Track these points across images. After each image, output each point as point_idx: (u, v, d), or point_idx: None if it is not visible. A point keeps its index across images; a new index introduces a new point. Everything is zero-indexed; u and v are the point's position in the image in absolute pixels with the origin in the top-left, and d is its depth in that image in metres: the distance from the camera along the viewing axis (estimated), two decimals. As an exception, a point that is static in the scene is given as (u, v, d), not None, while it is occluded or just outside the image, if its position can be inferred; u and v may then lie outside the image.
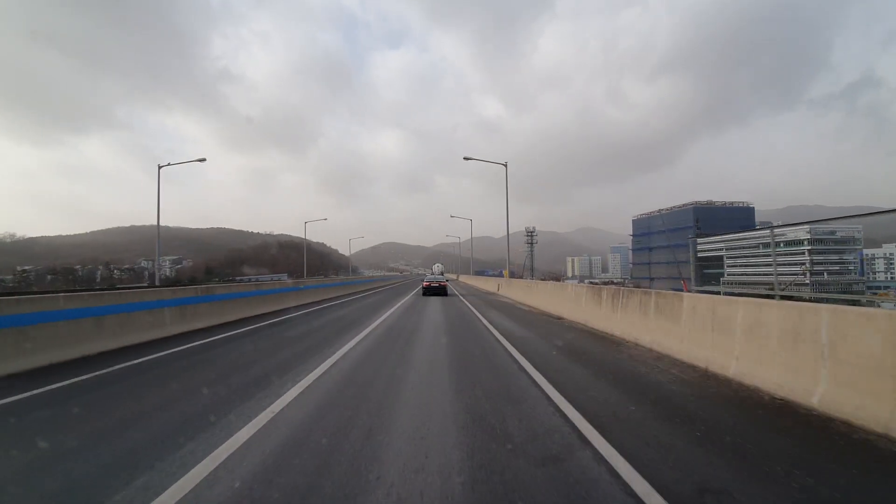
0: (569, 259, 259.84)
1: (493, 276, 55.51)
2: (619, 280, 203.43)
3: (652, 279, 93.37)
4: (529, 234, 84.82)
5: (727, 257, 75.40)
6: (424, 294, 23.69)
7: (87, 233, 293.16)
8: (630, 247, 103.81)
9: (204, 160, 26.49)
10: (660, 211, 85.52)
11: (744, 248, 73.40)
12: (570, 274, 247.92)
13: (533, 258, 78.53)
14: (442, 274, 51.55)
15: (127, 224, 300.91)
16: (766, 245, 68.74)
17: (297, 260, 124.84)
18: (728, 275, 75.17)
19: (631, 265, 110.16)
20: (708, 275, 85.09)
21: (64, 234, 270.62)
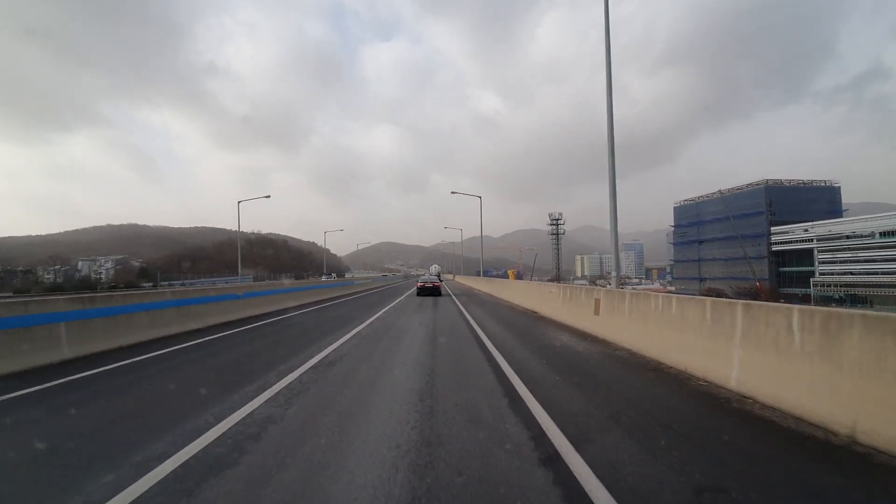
0: (578, 257, 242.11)
1: (497, 276, 47.70)
2: (635, 280, 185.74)
3: (703, 280, 75.61)
4: (555, 221, 66.76)
5: (820, 251, 57.38)
6: (419, 294, 22.23)
7: (61, 232, 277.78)
8: (671, 241, 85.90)
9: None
10: (720, 192, 67.56)
11: (847, 237, 55.25)
12: (579, 273, 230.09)
13: (560, 253, 60.55)
14: (438, 275, 50.97)
15: (104, 223, 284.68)
16: (887, 234, 51.09)
17: (272, 258, 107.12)
18: (820, 273, 57.41)
19: (671, 263, 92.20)
20: (788, 274, 67.14)
21: (35, 234, 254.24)
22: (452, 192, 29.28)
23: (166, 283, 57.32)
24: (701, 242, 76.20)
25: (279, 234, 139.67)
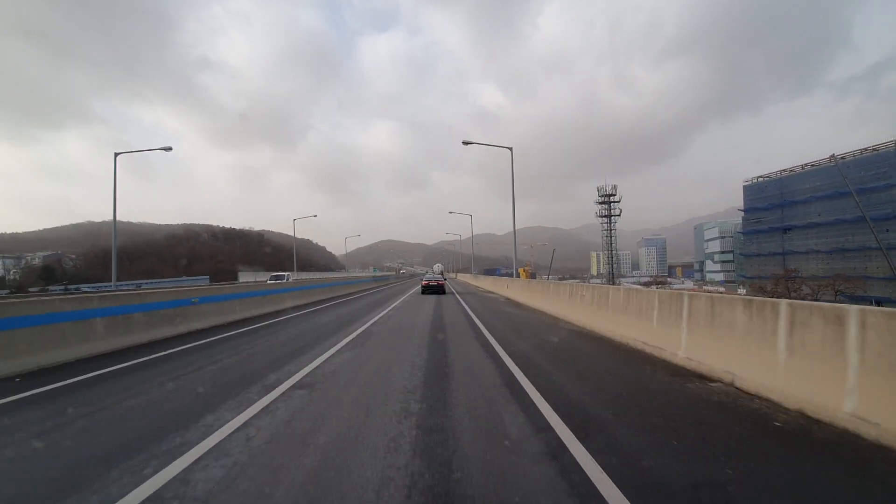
0: (593, 254, 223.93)
1: (505, 275, 39.65)
2: (659, 279, 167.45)
3: (791, 278, 57.50)
4: (606, 198, 48.64)
5: None
6: (423, 293, 22.71)
7: (40, 230, 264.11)
8: (740, 230, 67.79)
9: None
10: (833, 158, 49.19)
11: None
12: (594, 272, 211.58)
13: (613, 244, 42.79)
14: (441, 273, 48.89)
15: (84, 220, 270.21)
16: None
17: (235, 254, 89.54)
18: None
19: (737, 257, 73.95)
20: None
21: (10, 231, 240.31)
22: (465, 143, 23.53)
23: (73, 286, 40.08)
24: (787, 230, 58.09)
25: (253, 229, 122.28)
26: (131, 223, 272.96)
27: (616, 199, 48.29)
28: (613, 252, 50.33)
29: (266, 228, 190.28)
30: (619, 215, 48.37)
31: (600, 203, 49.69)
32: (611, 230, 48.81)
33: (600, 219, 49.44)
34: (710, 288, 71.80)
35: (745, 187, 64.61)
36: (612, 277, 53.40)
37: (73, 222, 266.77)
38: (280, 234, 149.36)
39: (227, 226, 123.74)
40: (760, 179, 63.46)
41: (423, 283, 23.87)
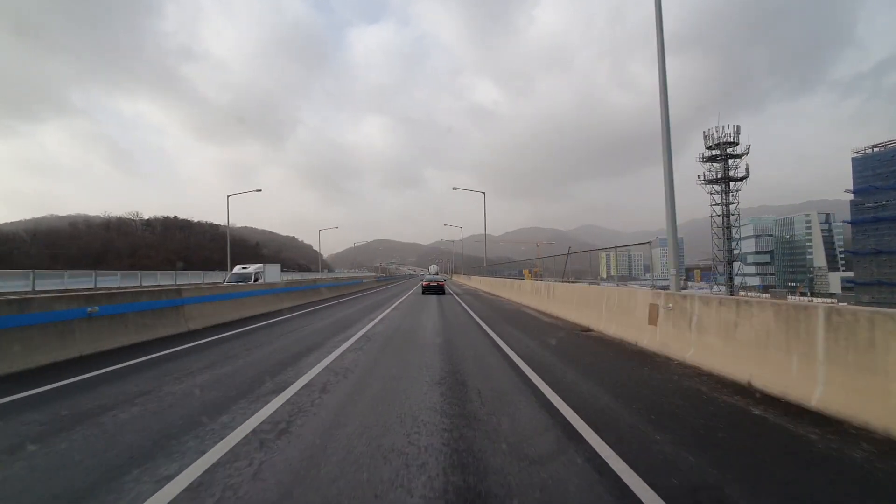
0: (602, 255, 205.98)
1: (509, 277, 33.39)
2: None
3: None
4: (722, 149, 31.07)
5: None
6: (424, 293, 24.42)
7: (6, 223, 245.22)
8: (841, 219, 50.53)
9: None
10: None
11: None
12: (604, 274, 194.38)
13: (729, 226, 25.82)
14: (437, 274, 51.92)
15: (42, 214, 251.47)
16: None
17: (166, 247, 70.89)
18: None
19: (841, 254, 56.73)
20: None
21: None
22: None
23: None
24: (932, 217, 41.11)
25: (236, 225, 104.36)
26: (99, 217, 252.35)
27: (738, 149, 30.22)
28: (736, 239, 33.14)
29: (248, 225, 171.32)
30: (745, 178, 30.97)
31: (709, 160, 31.63)
32: (726, 205, 31.58)
33: (708, 185, 32.16)
34: (798, 299, 54.70)
35: (854, 161, 47.43)
36: (731, 280, 36.20)
37: (34, 216, 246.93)
38: (250, 229, 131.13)
39: (206, 221, 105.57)
40: (877, 149, 46.54)
41: (424, 283, 25.97)
